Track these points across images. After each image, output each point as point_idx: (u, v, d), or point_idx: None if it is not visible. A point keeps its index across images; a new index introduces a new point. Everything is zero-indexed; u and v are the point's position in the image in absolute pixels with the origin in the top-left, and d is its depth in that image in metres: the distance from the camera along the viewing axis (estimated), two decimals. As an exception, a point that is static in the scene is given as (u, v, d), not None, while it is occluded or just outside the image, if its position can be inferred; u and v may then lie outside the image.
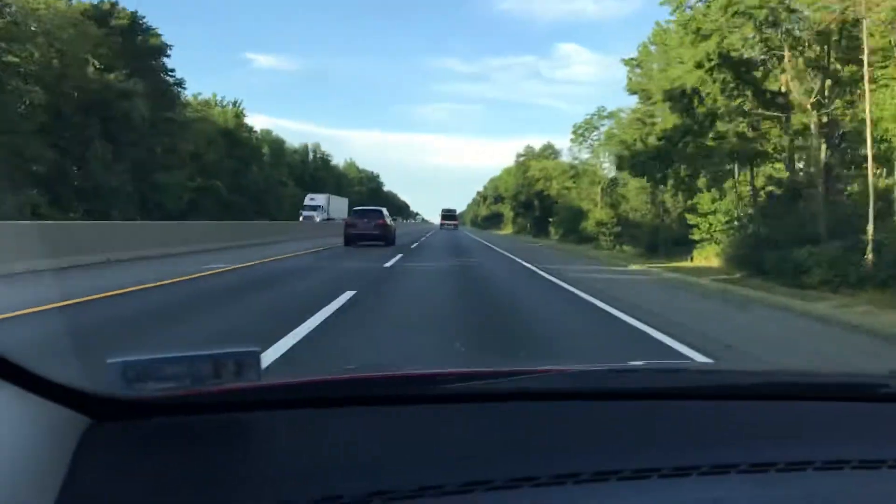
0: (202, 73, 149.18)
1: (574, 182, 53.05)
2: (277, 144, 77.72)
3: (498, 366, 1.25)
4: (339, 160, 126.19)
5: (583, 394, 1.15)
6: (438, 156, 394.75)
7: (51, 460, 0.82)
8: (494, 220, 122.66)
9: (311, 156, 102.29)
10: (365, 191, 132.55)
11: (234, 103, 66.93)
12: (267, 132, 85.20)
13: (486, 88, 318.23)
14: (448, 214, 75.88)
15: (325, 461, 0.93)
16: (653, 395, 1.19)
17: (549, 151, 63.58)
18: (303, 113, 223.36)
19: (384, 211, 26.06)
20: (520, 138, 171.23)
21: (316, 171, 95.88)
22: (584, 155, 47.15)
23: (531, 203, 63.57)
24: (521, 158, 65.56)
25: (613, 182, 41.79)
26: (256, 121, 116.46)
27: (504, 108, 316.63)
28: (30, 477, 0.78)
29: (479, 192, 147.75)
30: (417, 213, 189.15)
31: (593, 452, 1.01)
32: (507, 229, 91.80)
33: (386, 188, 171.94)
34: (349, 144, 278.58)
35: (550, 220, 59.92)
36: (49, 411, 0.86)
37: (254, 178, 60.43)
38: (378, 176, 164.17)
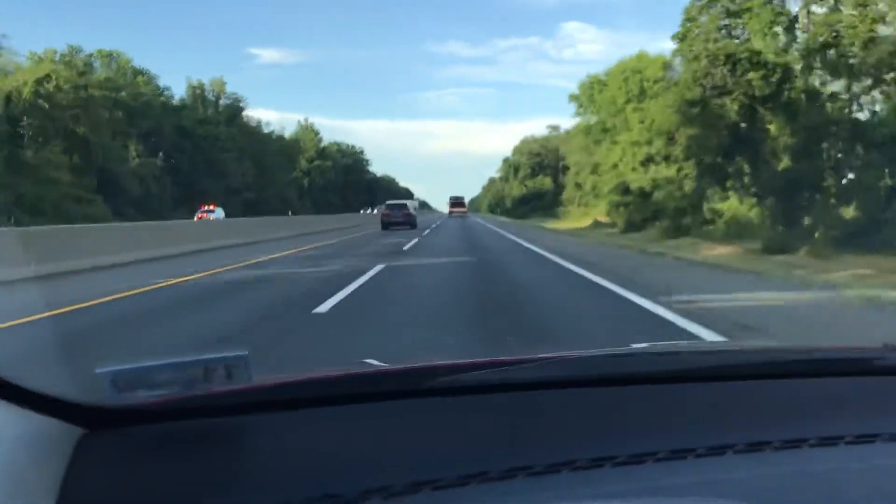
0: (207, 72, 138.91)
1: None
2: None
3: (491, 356, 1.22)
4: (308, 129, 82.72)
5: (577, 381, 1.13)
6: (447, 141, 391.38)
7: (45, 472, 0.82)
8: (538, 202, 77.17)
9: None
10: (330, 168, 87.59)
11: None
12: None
13: (492, 71, 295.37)
14: (456, 202, 73.15)
15: (320, 460, 0.93)
16: (648, 379, 1.15)
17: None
18: (311, 106, 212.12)
19: (408, 204, 35.99)
20: (529, 120, 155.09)
21: (201, 126, 50.55)
22: None
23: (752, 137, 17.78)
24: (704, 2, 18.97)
25: None
26: (265, 116, 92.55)
27: (512, 90, 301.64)
28: (25, 490, 0.78)
29: (507, 161, 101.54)
30: (415, 199, 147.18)
31: (589, 439, 1.01)
32: (579, 219, 46.60)
33: (380, 172, 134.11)
34: (357, 134, 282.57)
35: None
36: (41, 423, 0.86)
37: None
38: (362, 152, 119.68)
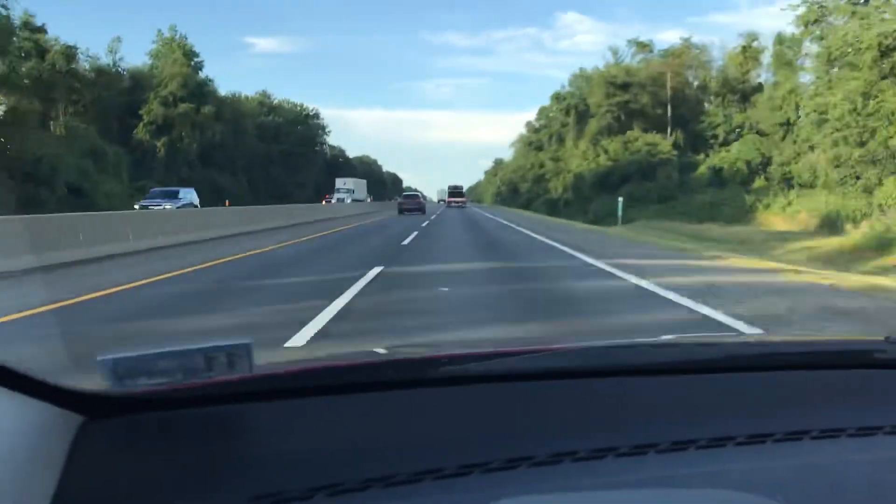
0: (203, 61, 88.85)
1: None
2: None
3: (493, 346, 1.23)
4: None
5: (579, 371, 1.13)
6: (441, 131, 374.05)
7: (46, 460, 0.82)
8: (640, 186, 36.33)
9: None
10: (213, 119, 46.38)
11: None
12: None
13: (489, 62, 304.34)
14: (455, 191, 66.02)
15: (321, 450, 0.93)
16: (650, 370, 1.16)
17: None
18: (306, 95, 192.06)
19: (420, 193, 47.98)
20: (524, 111, 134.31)
21: None
22: None
23: None
24: None
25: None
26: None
27: (508, 81, 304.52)
28: (26, 477, 0.78)
29: (560, 98, 58.42)
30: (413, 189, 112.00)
31: (591, 430, 1.02)
32: None
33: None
34: (353, 124, 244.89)
35: None
36: (41, 411, 0.86)
37: None
38: (316, 115, 79.33)
